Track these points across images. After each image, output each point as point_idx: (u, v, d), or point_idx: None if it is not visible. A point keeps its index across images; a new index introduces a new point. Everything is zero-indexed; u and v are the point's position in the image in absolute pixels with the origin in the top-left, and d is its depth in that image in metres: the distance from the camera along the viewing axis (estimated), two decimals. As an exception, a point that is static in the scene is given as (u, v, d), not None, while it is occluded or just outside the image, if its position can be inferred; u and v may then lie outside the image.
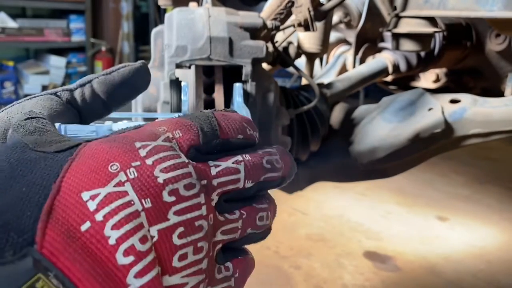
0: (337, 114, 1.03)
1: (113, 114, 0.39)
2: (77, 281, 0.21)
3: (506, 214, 2.27)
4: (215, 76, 0.71)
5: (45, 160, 0.25)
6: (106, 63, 4.41)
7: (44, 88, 4.07)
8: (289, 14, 0.88)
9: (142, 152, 0.25)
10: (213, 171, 0.28)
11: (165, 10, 1.68)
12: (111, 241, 0.22)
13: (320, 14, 0.87)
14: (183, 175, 0.26)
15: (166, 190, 0.25)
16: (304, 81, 1.10)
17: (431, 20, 0.99)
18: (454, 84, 1.27)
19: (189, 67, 0.70)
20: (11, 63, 3.98)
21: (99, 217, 0.22)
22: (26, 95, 3.53)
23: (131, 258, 0.22)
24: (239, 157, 0.29)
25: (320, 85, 0.98)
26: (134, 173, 0.24)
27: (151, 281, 0.23)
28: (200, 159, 0.28)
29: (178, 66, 0.69)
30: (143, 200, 0.24)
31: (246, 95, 0.69)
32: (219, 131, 0.29)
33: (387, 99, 1.00)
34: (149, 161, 0.25)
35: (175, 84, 0.69)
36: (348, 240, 1.99)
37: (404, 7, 0.97)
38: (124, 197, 0.23)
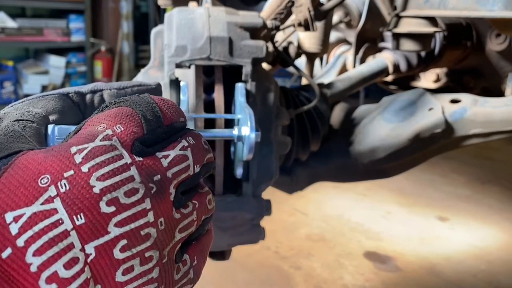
0: (337, 114, 1.02)
1: None
2: None
3: (507, 214, 2.26)
4: (215, 76, 0.71)
5: None
6: (106, 63, 4.41)
7: (44, 88, 4.06)
8: (289, 14, 0.88)
9: (78, 158, 0.23)
10: (164, 162, 0.26)
11: (165, 10, 1.68)
12: (33, 268, 0.21)
13: (320, 14, 0.87)
14: (123, 180, 0.24)
15: (103, 200, 0.23)
16: (304, 81, 1.10)
17: (432, 20, 0.98)
18: (454, 84, 1.27)
19: (189, 67, 0.70)
20: (10, 63, 3.98)
21: (20, 242, 0.21)
22: (25, 95, 3.50)
23: (53, 286, 0.21)
24: (184, 142, 0.27)
25: (320, 85, 0.98)
26: (66, 186, 0.23)
27: None
28: (147, 152, 0.26)
29: (178, 66, 0.68)
30: (74, 217, 0.22)
31: (248, 95, 0.69)
32: (163, 117, 0.27)
33: (388, 99, 0.99)
34: (84, 168, 0.23)
35: (175, 84, 0.69)
36: (348, 240, 1.99)
37: (405, 7, 0.97)
38: (52, 216, 0.22)
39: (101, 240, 0.23)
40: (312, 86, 0.91)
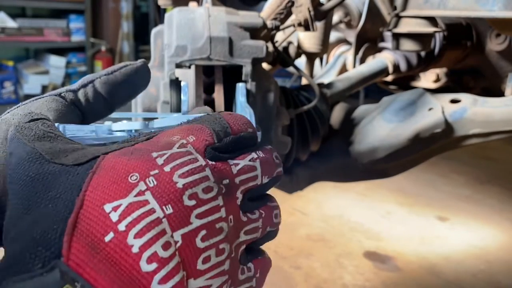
0: (337, 114, 1.03)
1: (113, 114, 0.39)
2: None
3: (507, 214, 2.26)
4: (215, 76, 0.71)
5: (66, 174, 0.25)
6: (106, 63, 4.41)
7: (44, 88, 4.06)
8: (289, 13, 0.88)
9: (160, 161, 0.26)
10: (234, 169, 0.28)
11: (165, 10, 1.68)
12: (134, 250, 0.23)
13: (320, 13, 0.87)
14: (201, 179, 0.26)
15: (186, 194, 0.25)
16: (304, 81, 1.10)
17: (431, 20, 0.99)
18: (454, 84, 1.27)
19: (189, 67, 0.70)
20: (10, 63, 3.98)
21: (121, 227, 0.23)
22: (25, 95, 3.49)
23: (154, 265, 0.23)
24: (254, 155, 0.30)
25: (320, 85, 0.98)
26: (153, 182, 0.25)
27: (174, 287, 0.23)
28: (219, 158, 0.28)
29: (178, 66, 0.68)
30: (164, 207, 0.24)
31: (248, 95, 0.69)
32: (230, 128, 0.30)
33: (387, 99, 1.00)
34: (167, 168, 0.26)
35: (175, 84, 0.69)
36: (348, 240, 1.99)
37: (404, 7, 0.97)
38: (145, 205, 0.24)
39: (186, 229, 0.25)
40: (312, 86, 0.91)
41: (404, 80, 1.29)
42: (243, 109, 0.60)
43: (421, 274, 1.75)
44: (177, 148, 0.27)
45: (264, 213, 0.31)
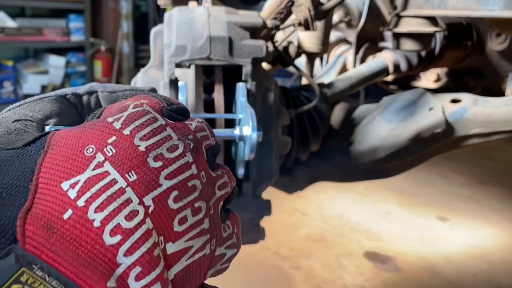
0: (337, 114, 1.02)
1: None
2: (63, 269, 0.21)
3: (507, 214, 2.26)
4: (215, 75, 0.71)
5: (18, 157, 0.25)
6: (106, 62, 4.41)
7: (43, 87, 4.06)
8: (289, 13, 0.88)
9: (117, 125, 0.25)
10: (191, 127, 0.28)
11: (164, 10, 1.68)
12: (96, 224, 0.22)
13: (320, 13, 0.86)
14: (163, 138, 0.25)
15: (150, 157, 0.24)
16: (304, 81, 1.10)
17: (432, 20, 0.98)
18: (454, 83, 1.27)
19: (189, 67, 0.70)
20: (10, 63, 3.98)
21: (80, 202, 0.23)
22: (25, 95, 3.48)
23: (118, 237, 0.22)
24: (198, 119, 0.30)
25: (321, 85, 0.98)
26: (111, 150, 0.24)
27: (141, 257, 0.23)
28: (175, 118, 0.28)
29: (178, 65, 0.68)
30: (126, 175, 0.24)
31: (248, 95, 0.69)
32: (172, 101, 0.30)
33: (388, 99, 0.99)
34: (126, 131, 0.25)
35: (175, 84, 0.69)
36: (348, 240, 1.99)
37: (405, 6, 0.97)
38: (106, 177, 0.23)
39: (156, 192, 0.24)
40: (312, 86, 0.91)
41: (405, 80, 1.28)
42: (244, 109, 0.59)
43: (421, 274, 1.75)
44: (133, 108, 0.26)
45: (224, 170, 0.30)
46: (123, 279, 0.22)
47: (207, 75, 0.72)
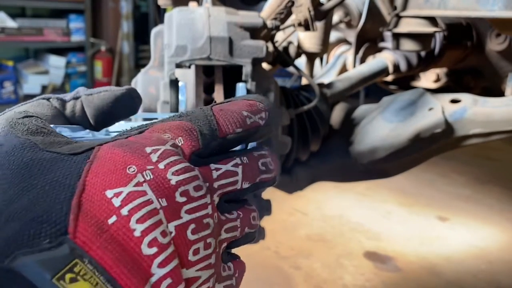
0: (337, 114, 1.02)
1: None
2: (108, 267, 0.23)
3: (507, 214, 2.26)
4: (215, 76, 0.71)
5: (62, 161, 0.26)
6: (106, 63, 4.41)
7: (44, 88, 4.06)
8: (289, 13, 0.88)
9: (154, 157, 0.27)
10: (214, 174, 0.30)
11: (165, 10, 1.68)
12: (136, 233, 0.24)
13: (320, 13, 0.87)
14: (192, 178, 0.28)
15: (178, 191, 0.27)
16: (304, 81, 1.10)
17: (432, 20, 0.98)
18: (454, 84, 1.27)
19: (189, 67, 0.70)
20: (10, 63, 3.98)
21: (124, 211, 0.24)
22: (25, 95, 3.47)
23: (154, 249, 0.24)
24: (237, 160, 0.31)
25: (320, 85, 0.98)
26: (150, 175, 0.26)
27: (172, 271, 0.24)
28: (201, 163, 0.30)
29: (178, 66, 0.68)
30: (159, 200, 0.26)
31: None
32: (218, 131, 0.31)
33: (388, 99, 0.99)
34: (161, 166, 0.27)
35: (175, 84, 0.69)
36: (348, 240, 1.99)
37: (405, 6, 0.97)
38: (144, 196, 0.25)
39: (178, 222, 0.26)
40: (312, 86, 0.91)
41: (404, 80, 1.29)
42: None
43: (422, 274, 1.75)
44: (170, 146, 0.28)
45: (241, 214, 0.32)
46: None
47: (207, 75, 0.72)
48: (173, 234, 0.25)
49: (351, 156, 0.97)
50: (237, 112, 0.32)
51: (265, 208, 0.77)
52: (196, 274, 0.27)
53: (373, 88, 2.68)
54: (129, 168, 0.26)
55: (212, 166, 0.30)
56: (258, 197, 0.76)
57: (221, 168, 0.30)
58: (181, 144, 0.29)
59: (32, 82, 3.99)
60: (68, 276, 0.21)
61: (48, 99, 0.34)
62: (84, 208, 0.24)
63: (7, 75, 3.92)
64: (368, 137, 0.95)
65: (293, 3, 0.86)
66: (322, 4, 0.88)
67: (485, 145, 2.86)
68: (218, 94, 0.69)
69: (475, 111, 0.90)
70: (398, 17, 0.99)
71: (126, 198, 0.24)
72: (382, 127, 0.94)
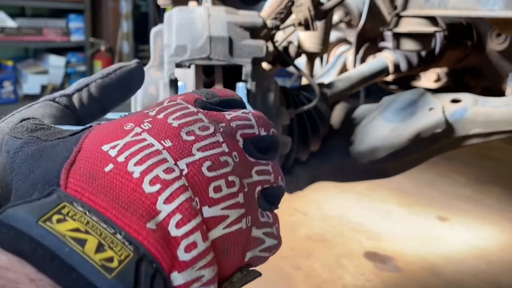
0: (337, 114, 1.02)
1: (110, 115, 0.39)
2: (102, 210, 0.22)
3: (507, 214, 2.26)
4: (215, 75, 0.71)
5: (64, 141, 0.26)
6: (106, 62, 4.41)
7: (43, 87, 4.06)
8: (289, 13, 0.88)
9: (152, 112, 0.27)
10: (228, 116, 0.29)
11: (164, 10, 1.68)
12: (136, 175, 0.23)
13: (320, 13, 0.86)
14: (195, 120, 0.27)
15: (183, 131, 0.26)
16: (304, 81, 1.09)
17: (432, 20, 0.98)
18: (455, 83, 1.27)
19: (189, 67, 0.70)
20: (10, 63, 3.97)
21: (121, 158, 0.24)
22: (25, 95, 3.46)
23: (158, 186, 0.23)
24: (245, 109, 0.30)
25: (321, 85, 0.98)
26: (148, 125, 0.26)
27: (181, 205, 0.23)
28: (210, 107, 0.29)
29: (178, 65, 0.68)
30: (162, 141, 0.25)
31: (248, 95, 0.69)
32: (216, 94, 0.31)
33: (388, 99, 0.99)
34: (160, 116, 0.26)
35: (175, 84, 0.69)
36: (348, 240, 1.99)
37: (405, 6, 0.97)
38: (143, 142, 0.25)
39: (190, 159, 0.25)
40: (312, 86, 0.91)
41: (405, 79, 1.28)
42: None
43: (422, 274, 1.75)
44: (167, 102, 0.28)
45: (271, 163, 0.30)
46: (164, 226, 0.22)
47: (207, 75, 0.72)
48: (185, 171, 0.24)
49: (351, 156, 0.97)
50: (228, 90, 0.32)
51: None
52: (223, 213, 0.25)
53: (373, 88, 2.68)
54: (126, 126, 0.26)
55: (222, 112, 0.29)
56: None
57: (231, 113, 0.29)
58: (181, 97, 0.29)
59: (31, 82, 3.98)
60: (55, 217, 0.21)
61: (53, 100, 0.34)
62: (78, 163, 0.23)
63: (6, 75, 3.91)
64: (368, 137, 0.95)
65: (293, 2, 0.85)
66: (322, 4, 0.87)
67: (485, 145, 2.86)
68: (218, 94, 0.69)
69: (475, 111, 0.90)
70: (399, 16, 0.98)
71: (122, 148, 0.24)
72: (382, 127, 0.94)
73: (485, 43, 1.18)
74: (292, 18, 0.87)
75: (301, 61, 1.13)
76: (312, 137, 0.93)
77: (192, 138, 0.26)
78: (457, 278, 1.73)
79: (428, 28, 0.98)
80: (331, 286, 1.66)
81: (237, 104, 0.32)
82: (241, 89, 0.65)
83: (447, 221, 2.20)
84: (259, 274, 0.29)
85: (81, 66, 4.32)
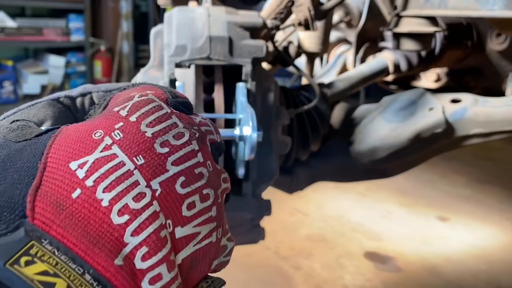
0: (337, 114, 1.02)
1: None
2: (72, 245, 0.21)
3: (507, 214, 2.26)
4: (215, 75, 0.70)
5: (30, 145, 0.25)
6: (105, 62, 4.41)
7: (43, 87, 4.06)
8: (289, 13, 0.88)
9: (123, 112, 0.25)
10: (196, 119, 0.28)
11: (164, 10, 1.68)
12: (104, 203, 0.22)
13: (320, 13, 0.86)
14: (169, 126, 0.26)
15: (157, 143, 0.25)
16: (304, 81, 1.09)
17: (432, 20, 0.98)
18: (455, 83, 1.27)
19: (189, 67, 0.69)
20: (10, 63, 3.97)
21: (89, 182, 0.23)
22: (25, 95, 3.46)
23: (126, 217, 0.23)
24: (203, 115, 0.31)
25: (321, 85, 0.98)
26: (119, 135, 0.24)
27: (148, 238, 0.23)
28: (179, 109, 0.28)
29: (178, 65, 0.68)
30: (134, 158, 0.24)
31: (248, 95, 0.69)
32: (177, 94, 0.30)
33: (388, 99, 0.99)
34: (132, 118, 0.25)
35: (175, 84, 0.69)
36: (348, 240, 1.99)
37: (405, 6, 0.97)
38: (113, 159, 0.23)
39: (163, 177, 0.24)
40: (312, 86, 0.91)
41: (405, 79, 1.28)
42: (244, 109, 0.59)
43: (422, 275, 1.75)
44: (138, 97, 0.27)
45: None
46: (130, 259, 0.22)
47: (207, 75, 0.72)
48: (158, 192, 0.24)
49: (351, 156, 0.96)
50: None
51: (265, 208, 0.77)
52: (195, 230, 0.25)
53: (373, 88, 2.68)
54: (94, 134, 0.24)
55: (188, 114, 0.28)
56: (258, 197, 0.76)
57: (196, 118, 0.29)
58: (152, 92, 0.28)
59: (31, 82, 3.98)
60: (23, 259, 0.20)
61: (57, 99, 0.34)
62: (45, 187, 0.23)
63: (6, 75, 3.91)
64: (368, 137, 0.95)
65: (293, 2, 0.85)
66: (322, 4, 0.87)
67: (486, 145, 2.86)
68: (218, 94, 0.69)
69: (475, 111, 0.90)
70: (399, 16, 0.98)
71: (91, 167, 0.23)
72: (382, 127, 0.94)
73: (485, 43, 1.18)
74: (292, 18, 0.87)
75: (301, 61, 1.13)
76: (312, 137, 0.93)
77: (166, 150, 0.25)
78: (457, 278, 1.73)
79: (428, 28, 0.98)
80: (331, 286, 1.66)
81: (190, 106, 0.31)
82: (241, 89, 0.65)
83: (447, 221, 2.20)
84: (224, 283, 0.29)
85: (81, 66, 4.32)
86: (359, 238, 2.01)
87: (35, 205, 0.22)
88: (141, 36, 4.66)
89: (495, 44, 1.15)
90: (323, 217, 2.19)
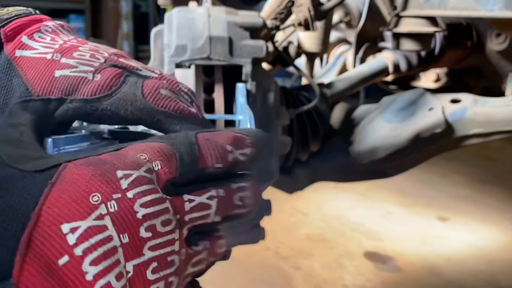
0: (337, 114, 1.02)
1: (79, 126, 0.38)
2: None
3: (507, 214, 2.26)
4: (215, 75, 0.71)
5: (23, 180, 0.24)
6: (106, 63, 4.41)
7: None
8: (289, 13, 0.88)
9: (124, 184, 0.26)
10: (187, 206, 0.28)
11: (164, 10, 1.68)
12: (88, 277, 0.22)
13: (320, 13, 0.87)
14: (161, 211, 0.26)
15: (144, 226, 0.25)
16: (304, 81, 1.10)
17: (432, 20, 0.98)
18: (454, 83, 1.27)
19: (189, 67, 0.70)
20: (10, 63, 3.97)
21: (78, 251, 0.23)
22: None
23: None
24: (213, 193, 0.29)
25: (320, 85, 0.98)
26: (114, 206, 0.25)
27: None
28: (175, 192, 0.28)
29: (178, 65, 0.68)
30: (121, 235, 0.24)
31: (248, 95, 0.69)
32: (199, 160, 0.29)
33: (388, 99, 0.99)
34: (130, 194, 0.25)
35: (175, 84, 0.69)
36: (348, 240, 1.99)
37: (405, 6, 0.97)
38: (103, 232, 0.24)
39: (138, 261, 0.25)
40: (312, 86, 0.91)
41: (405, 80, 1.28)
42: (243, 110, 0.59)
43: (422, 275, 1.75)
44: (144, 171, 0.27)
45: (209, 244, 0.30)
46: None
47: (207, 75, 0.72)
48: (130, 274, 0.24)
49: (351, 156, 0.97)
50: (221, 145, 0.30)
51: (265, 208, 0.77)
52: None
53: (373, 88, 2.68)
54: (92, 197, 0.24)
55: (186, 197, 0.28)
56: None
57: (195, 200, 0.28)
58: (157, 168, 0.27)
59: (32, 82, 3.98)
60: None
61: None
62: (34, 245, 0.22)
63: (7, 75, 3.91)
64: (368, 137, 0.95)
65: (293, 3, 0.85)
66: (322, 4, 0.88)
67: (486, 145, 2.85)
68: (218, 94, 0.69)
69: (475, 111, 0.90)
70: (398, 17, 0.98)
71: (82, 235, 0.23)
72: (382, 127, 0.94)
73: (485, 43, 1.18)
74: (292, 18, 0.87)
75: (301, 61, 1.14)
76: (312, 137, 0.93)
77: (148, 235, 0.25)
78: (457, 278, 1.73)
79: (428, 28, 0.98)
80: (331, 286, 1.66)
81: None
82: (241, 89, 0.65)
83: (447, 221, 2.20)
84: None
85: (81, 66, 4.32)
86: (359, 238, 2.01)
87: (23, 267, 0.22)
88: (141, 36, 4.66)
89: (495, 44, 1.15)
90: (323, 217, 2.19)
